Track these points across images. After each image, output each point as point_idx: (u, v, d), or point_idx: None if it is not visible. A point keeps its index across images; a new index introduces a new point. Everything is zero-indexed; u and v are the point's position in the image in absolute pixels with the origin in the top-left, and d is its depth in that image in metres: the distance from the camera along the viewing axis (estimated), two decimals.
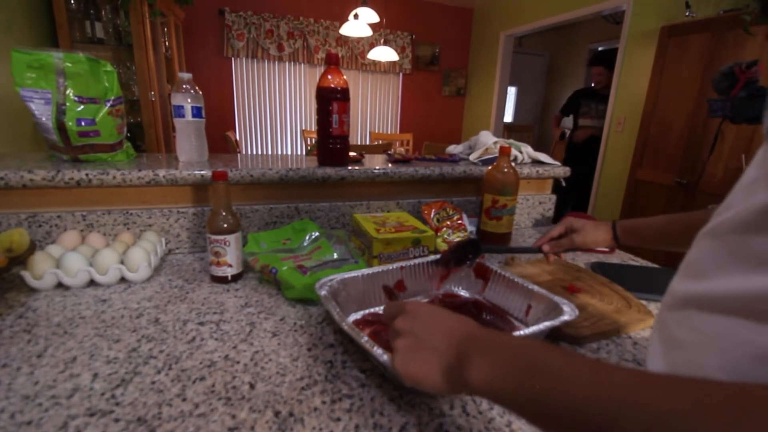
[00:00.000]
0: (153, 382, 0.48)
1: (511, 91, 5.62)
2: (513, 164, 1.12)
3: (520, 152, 1.24)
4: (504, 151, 0.98)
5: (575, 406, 0.25)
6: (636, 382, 0.24)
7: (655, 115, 2.43)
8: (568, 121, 3.36)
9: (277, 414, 0.44)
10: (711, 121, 2.07)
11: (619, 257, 1.02)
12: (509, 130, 5.09)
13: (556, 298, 0.60)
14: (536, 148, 1.29)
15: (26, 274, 0.69)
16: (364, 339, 0.48)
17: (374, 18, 2.94)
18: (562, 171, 1.24)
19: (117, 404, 0.45)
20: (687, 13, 2.33)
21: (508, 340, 0.33)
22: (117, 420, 0.42)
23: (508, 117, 5.71)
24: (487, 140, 1.23)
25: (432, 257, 0.75)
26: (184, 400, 0.46)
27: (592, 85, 3.10)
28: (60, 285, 0.71)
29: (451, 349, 0.35)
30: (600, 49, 3.12)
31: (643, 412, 0.21)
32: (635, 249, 1.06)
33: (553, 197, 1.28)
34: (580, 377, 0.26)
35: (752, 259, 0.28)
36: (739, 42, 1.98)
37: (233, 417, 0.44)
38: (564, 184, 1.28)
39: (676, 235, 0.62)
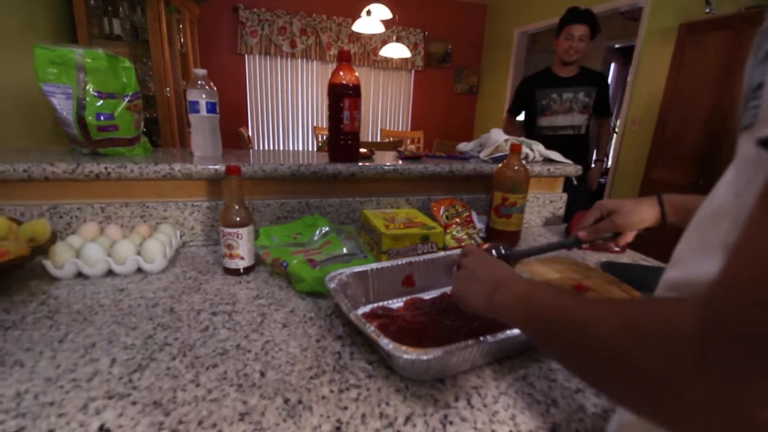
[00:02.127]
0: (168, 368, 0.50)
1: None
2: (524, 162, 1.11)
3: (531, 150, 1.23)
4: (515, 149, 0.98)
5: (542, 316, 0.37)
6: (575, 300, 0.35)
7: (672, 115, 2.38)
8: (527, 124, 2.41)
9: (286, 401, 0.46)
10: (731, 122, 2.03)
11: (630, 257, 1.01)
12: (521, 128, 5.04)
13: None
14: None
15: (48, 264, 0.71)
16: (371, 329, 0.49)
17: (387, 15, 2.95)
18: (573, 170, 1.23)
19: (134, 388, 0.46)
20: (707, 10, 2.28)
21: (522, 283, 0.45)
22: (134, 403, 0.44)
23: (521, 115, 5.66)
24: (498, 138, 1.23)
25: (442, 253, 0.75)
26: (197, 385, 0.47)
27: (565, 60, 2.03)
28: (80, 274, 0.74)
29: (491, 284, 0.47)
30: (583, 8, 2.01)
31: (570, 313, 0.33)
32: (646, 247, 1.05)
33: (564, 196, 1.27)
34: (556, 301, 0.36)
35: (720, 245, 0.29)
36: None
37: (245, 403, 0.45)
38: (575, 182, 1.27)
39: None
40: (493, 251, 0.71)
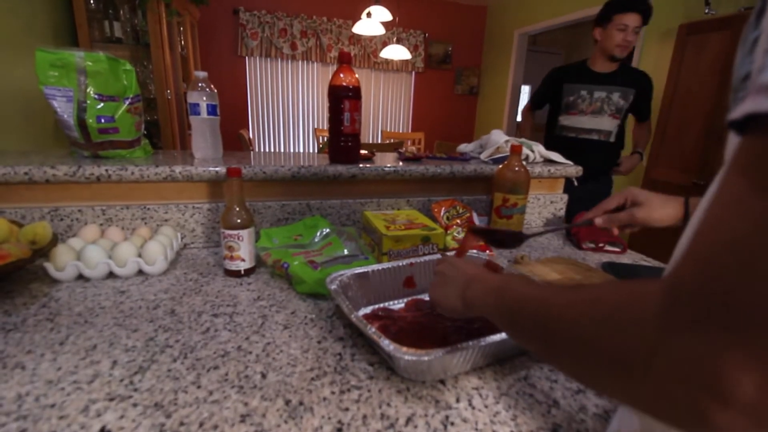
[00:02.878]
0: (169, 370, 0.50)
1: (525, 90, 5.58)
2: (524, 163, 1.11)
3: (532, 151, 1.23)
4: (515, 150, 0.98)
5: (512, 307, 0.38)
6: (543, 289, 0.36)
7: (672, 115, 2.38)
8: (543, 118, 2.08)
9: (287, 402, 0.46)
10: None
11: (630, 257, 1.01)
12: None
13: None
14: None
15: (49, 266, 0.71)
16: (372, 331, 0.49)
17: (387, 16, 2.95)
18: (574, 170, 1.23)
19: (135, 390, 0.46)
20: (706, 11, 2.28)
21: (496, 277, 0.45)
22: (135, 405, 0.44)
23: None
24: (499, 139, 1.23)
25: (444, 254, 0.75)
26: (198, 387, 0.47)
27: (617, 55, 1.70)
28: (81, 276, 0.74)
29: (463, 282, 0.48)
30: None
31: (539, 301, 0.34)
32: (647, 247, 1.04)
33: (565, 197, 1.27)
34: (527, 290, 0.37)
35: None
36: None
37: (245, 404, 0.45)
38: (576, 183, 1.27)
39: None
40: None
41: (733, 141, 0.24)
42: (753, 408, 0.18)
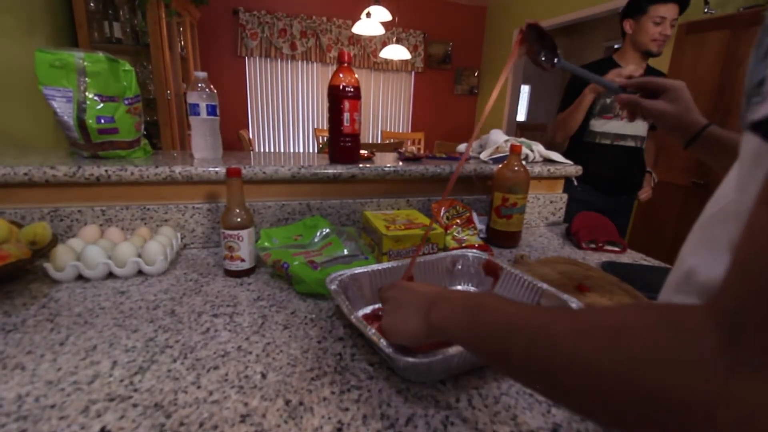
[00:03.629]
0: (169, 370, 0.50)
1: (524, 90, 5.58)
2: (524, 163, 1.11)
3: (531, 151, 1.23)
4: (515, 150, 0.98)
5: (490, 331, 0.33)
6: (529, 311, 0.31)
7: None
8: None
9: (287, 402, 0.46)
10: (729, 120, 2.03)
11: (631, 257, 1.01)
12: (522, 129, 5.05)
13: (566, 297, 0.61)
14: (549, 147, 1.29)
15: (49, 266, 0.71)
16: (372, 331, 0.49)
17: (387, 16, 2.95)
18: (574, 170, 1.23)
19: (135, 390, 0.46)
20: (705, 10, 2.28)
21: (463, 294, 0.41)
22: (135, 405, 0.44)
23: (521, 116, 5.67)
24: (498, 138, 1.23)
25: (443, 254, 0.75)
26: (198, 387, 0.47)
27: (653, 51, 1.52)
28: (80, 277, 0.74)
29: (423, 304, 0.43)
30: None
31: (527, 327, 0.29)
32: (647, 247, 1.04)
33: (565, 196, 1.27)
34: (497, 310, 0.33)
35: (729, 244, 0.29)
36: None
37: (246, 404, 0.45)
38: (576, 183, 1.27)
39: None
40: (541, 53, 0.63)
41: (752, 140, 0.24)
42: None
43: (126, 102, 0.94)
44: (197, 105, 0.95)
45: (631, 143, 1.62)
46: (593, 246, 1.04)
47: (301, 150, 4.65)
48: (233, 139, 3.90)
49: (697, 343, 0.19)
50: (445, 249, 0.88)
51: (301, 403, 0.46)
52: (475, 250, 0.81)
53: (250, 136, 4.28)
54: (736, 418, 0.17)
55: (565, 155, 1.58)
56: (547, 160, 1.26)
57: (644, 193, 1.76)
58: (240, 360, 0.53)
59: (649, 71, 1.60)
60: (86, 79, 0.88)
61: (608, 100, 1.57)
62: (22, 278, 0.73)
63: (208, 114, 0.96)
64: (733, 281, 0.19)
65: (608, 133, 1.61)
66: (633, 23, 1.54)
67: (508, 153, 1.11)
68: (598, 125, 1.61)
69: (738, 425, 0.17)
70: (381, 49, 3.98)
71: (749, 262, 0.19)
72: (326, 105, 1.02)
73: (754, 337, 0.18)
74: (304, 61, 4.38)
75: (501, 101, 4.56)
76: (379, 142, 4.52)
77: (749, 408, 0.17)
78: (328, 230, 0.89)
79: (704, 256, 0.31)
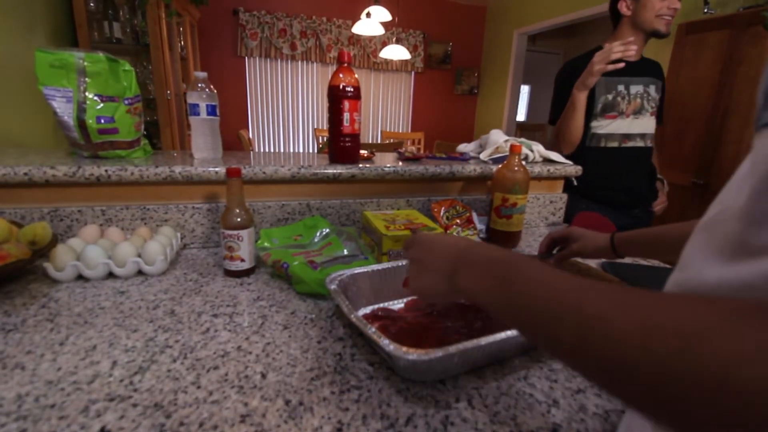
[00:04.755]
0: (169, 370, 0.50)
1: (524, 90, 5.58)
2: (524, 163, 1.11)
3: (531, 151, 1.23)
4: (515, 150, 0.98)
5: (530, 305, 0.30)
6: (576, 287, 0.28)
7: (671, 114, 2.38)
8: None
9: (287, 402, 0.46)
10: (730, 120, 2.03)
11: (630, 257, 1.01)
12: (522, 129, 5.05)
13: None
14: (549, 148, 1.29)
15: (49, 266, 0.71)
16: (372, 330, 0.49)
17: (386, 16, 2.95)
18: (573, 170, 1.23)
19: (135, 390, 0.46)
20: (705, 11, 2.28)
21: (489, 257, 0.39)
22: (135, 405, 0.44)
23: (521, 116, 5.67)
24: (498, 139, 1.23)
25: None
26: (198, 387, 0.47)
27: (659, 30, 1.31)
28: (80, 277, 0.74)
29: (447, 265, 0.43)
30: None
31: (579, 312, 0.26)
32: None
33: (564, 196, 1.27)
34: (536, 283, 0.31)
35: (729, 245, 0.28)
36: (758, 40, 1.94)
37: (245, 404, 0.45)
38: (575, 183, 1.27)
39: (671, 242, 0.61)
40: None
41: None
42: None
43: (126, 102, 0.94)
44: (197, 105, 0.95)
45: (640, 143, 1.42)
46: None
47: (301, 150, 4.65)
48: (233, 139, 3.90)
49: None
50: None
51: (300, 403, 0.46)
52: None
53: (250, 136, 4.28)
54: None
55: None
56: (547, 160, 1.26)
57: (659, 204, 1.53)
58: (240, 360, 0.53)
59: (645, 63, 1.41)
60: (86, 79, 0.88)
61: (609, 96, 1.36)
62: (22, 278, 0.73)
63: (208, 114, 0.96)
64: None
65: (614, 134, 1.39)
66: (631, 1, 1.32)
67: (508, 153, 1.11)
68: (602, 126, 1.38)
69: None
70: (381, 49, 3.99)
71: None
72: (326, 105, 1.01)
73: None
74: (304, 61, 4.38)
75: (501, 101, 4.57)
76: (379, 142, 4.52)
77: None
78: (328, 230, 0.89)
79: (706, 258, 0.31)
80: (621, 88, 1.36)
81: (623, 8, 1.34)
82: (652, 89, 1.38)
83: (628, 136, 1.40)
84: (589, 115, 1.38)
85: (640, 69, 1.37)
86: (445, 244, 0.46)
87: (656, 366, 0.21)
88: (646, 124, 1.40)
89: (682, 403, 0.20)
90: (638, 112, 1.38)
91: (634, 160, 1.43)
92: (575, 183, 1.27)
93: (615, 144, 1.40)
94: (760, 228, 0.25)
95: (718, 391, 0.19)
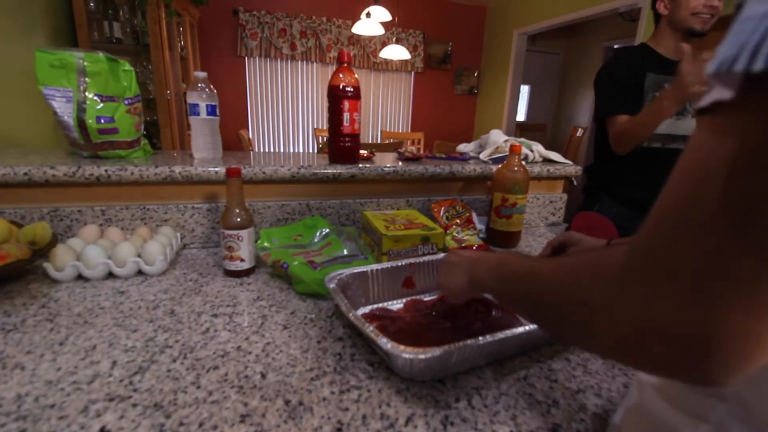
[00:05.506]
0: (169, 370, 0.50)
1: (524, 90, 5.58)
2: (523, 163, 1.12)
3: (531, 151, 1.23)
4: (514, 150, 0.98)
5: (510, 279, 0.42)
6: (540, 261, 0.38)
7: None
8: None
9: (287, 402, 0.46)
10: None
11: None
12: (522, 129, 5.05)
13: None
14: (549, 148, 1.29)
15: (48, 266, 0.71)
16: (370, 329, 0.49)
17: (386, 16, 2.95)
18: (573, 170, 1.23)
19: (135, 390, 0.46)
20: None
21: (495, 256, 0.49)
22: (135, 405, 0.44)
23: (521, 116, 5.67)
24: (498, 139, 1.23)
25: (442, 254, 0.75)
26: (198, 387, 0.47)
27: (696, 28, 1.24)
28: (80, 277, 0.74)
29: (467, 265, 0.53)
30: None
31: (537, 271, 0.36)
32: None
33: (564, 196, 1.27)
34: (515, 265, 0.41)
35: None
36: None
37: (245, 404, 0.45)
38: (575, 183, 1.27)
39: None
40: None
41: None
42: (684, 338, 0.21)
43: (126, 102, 0.94)
44: (197, 105, 0.95)
45: (682, 145, 1.27)
46: None
47: (301, 150, 4.65)
48: (233, 139, 3.90)
49: (610, 264, 0.26)
50: (445, 249, 0.88)
51: (300, 403, 0.46)
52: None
53: (250, 136, 4.28)
54: (624, 313, 0.24)
55: (597, 161, 1.45)
56: (547, 160, 1.26)
57: None
58: (240, 360, 0.53)
59: None
60: (86, 79, 0.88)
61: (657, 95, 1.28)
62: (22, 278, 0.73)
63: (208, 114, 0.96)
64: (644, 226, 0.24)
65: (658, 134, 1.29)
66: (668, 1, 1.28)
67: (507, 153, 1.11)
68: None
69: (625, 318, 0.24)
70: (381, 49, 3.98)
71: (658, 212, 0.24)
72: (326, 105, 1.01)
73: (640, 257, 0.24)
74: (304, 61, 4.38)
75: (501, 101, 4.56)
76: (379, 142, 4.52)
77: (631, 306, 0.23)
78: (327, 230, 0.89)
79: None
80: (667, 87, 1.26)
81: (661, 8, 1.31)
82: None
83: (672, 137, 1.33)
84: (635, 113, 1.29)
85: None
86: (473, 251, 0.59)
87: (555, 299, 0.32)
88: (688, 126, 1.33)
89: (567, 320, 0.31)
90: (681, 113, 1.31)
91: (672, 163, 1.32)
92: (574, 183, 1.27)
93: (658, 145, 1.33)
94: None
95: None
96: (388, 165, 1.04)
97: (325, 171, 0.98)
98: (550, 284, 0.33)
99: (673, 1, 1.27)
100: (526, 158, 1.22)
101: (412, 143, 4.07)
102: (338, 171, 0.99)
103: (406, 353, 0.45)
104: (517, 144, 1.03)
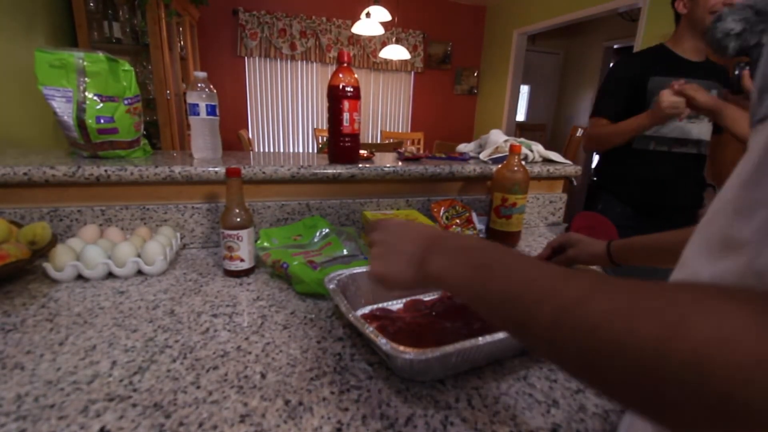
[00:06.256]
0: (169, 370, 0.50)
1: (524, 90, 5.58)
2: (523, 163, 1.12)
3: (531, 151, 1.23)
4: (514, 150, 0.98)
5: (507, 290, 0.29)
6: (555, 274, 0.28)
7: None
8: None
9: (287, 402, 0.46)
10: None
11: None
12: (522, 129, 5.05)
13: None
14: (549, 148, 1.29)
15: (48, 266, 0.71)
16: (370, 329, 0.49)
17: (386, 16, 2.95)
18: (573, 170, 1.23)
19: (134, 390, 0.46)
20: None
21: (462, 244, 0.38)
22: (134, 405, 0.44)
23: (521, 116, 5.67)
24: (498, 139, 1.23)
25: None
26: (198, 387, 0.47)
27: (718, 37, 1.03)
28: (80, 277, 0.74)
29: (417, 251, 0.40)
30: None
31: (557, 297, 0.26)
32: None
33: (564, 196, 1.27)
34: (514, 270, 0.30)
35: (719, 240, 0.28)
36: None
37: (245, 404, 0.45)
38: (575, 183, 1.27)
39: (669, 249, 0.61)
40: None
41: (761, 137, 0.24)
42: None
43: (126, 102, 0.94)
44: (197, 105, 0.95)
45: (693, 149, 1.31)
46: None
47: (301, 150, 4.65)
48: (233, 139, 3.90)
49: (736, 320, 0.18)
50: None
51: (300, 403, 0.46)
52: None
53: (250, 136, 4.28)
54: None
55: (602, 161, 1.46)
56: (547, 160, 1.26)
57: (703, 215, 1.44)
58: (239, 360, 0.53)
59: (708, 66, 1.30)
60: (86, 78, 0.88)
61: None
62: (22, 278, 0.73)
63: (208, 114, 0.96)
64: None
65: (666, 137, 1.29)
66: (687, 0, 1.26)
67: (507, 153, 1.11)
68: (654, 127, 1.27)
69: None
70: (381, 49, 3.98)
71: None
72: (326, 105, 1.01)
73: None
74: (304, 61, 4.38)
75: (501, 101, 4.56)
76: (378, 142, 4.52)
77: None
78: (327, 230, 0.89)
79: (701, 255, 0.31)
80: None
81: (680, 7, 1.29)
82: (712, 93, 1.23)
83: (680, 141, 1.31)
84: (623, 117, 1.30)
85: (702, 71, 1.29)
86: (416, 229, 0.43)
87: (640, 351, 0.20)
88: (702, 130, 1.29)
89: (669, 391, 0.19)
90: (695, 116, 1.27)
91: (683, 168, 1.33)
92: (574, 183, 1.27)
93: (665, 148, 1.32)
94: (743, 220, 0.25)
95: (700, 375, 0.18)
96: (387, 165, 1.04)
97: (325, 171, 0.98)
98: (626, 345, 0.21)
99: (692, 1, 1.25)
100: (525, 158, 1.22)
101: (412, 143, 4.07)
102: (338, 171, 0.99)
103: (405, 354, 0.45)
104: (517, 144, 1.03)
